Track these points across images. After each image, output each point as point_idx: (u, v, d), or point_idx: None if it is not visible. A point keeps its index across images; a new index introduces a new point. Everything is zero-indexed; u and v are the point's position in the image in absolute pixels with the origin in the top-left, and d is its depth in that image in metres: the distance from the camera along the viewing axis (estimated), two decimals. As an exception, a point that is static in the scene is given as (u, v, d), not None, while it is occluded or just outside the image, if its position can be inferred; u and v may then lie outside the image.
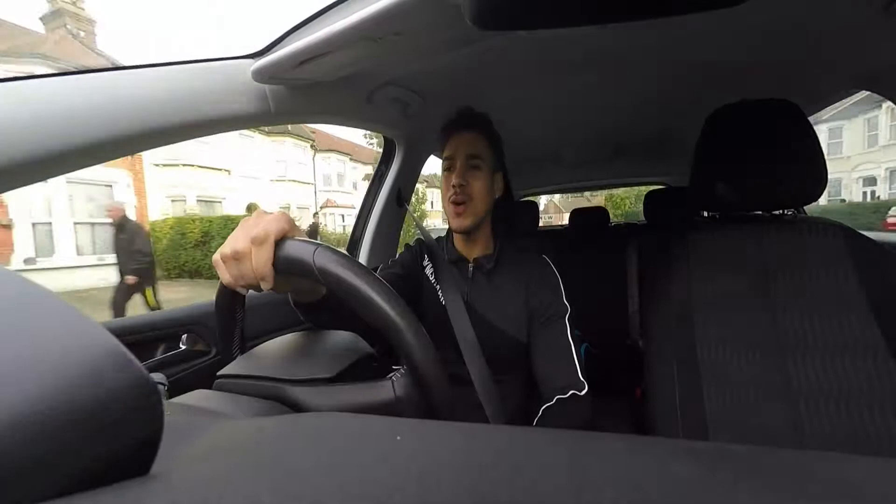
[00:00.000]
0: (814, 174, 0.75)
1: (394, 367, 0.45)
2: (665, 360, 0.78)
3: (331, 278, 0.39)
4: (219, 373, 0.48)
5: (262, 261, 0.42)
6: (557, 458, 0.18)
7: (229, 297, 0.51)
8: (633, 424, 1.28)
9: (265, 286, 0.43)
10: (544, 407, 0.81)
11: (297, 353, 0.51)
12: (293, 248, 0.41)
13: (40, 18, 13.83)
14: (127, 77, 0.59)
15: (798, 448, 0.65)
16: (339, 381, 0.44)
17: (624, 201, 17.38)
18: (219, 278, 0.47)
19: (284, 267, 0.42)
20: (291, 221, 0.44)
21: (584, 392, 0.81)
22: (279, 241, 0.42)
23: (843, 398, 0.68)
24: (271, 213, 0.44)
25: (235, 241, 0.43)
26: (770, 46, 0.91)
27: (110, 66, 0.59)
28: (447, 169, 0.91)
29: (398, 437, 0.20)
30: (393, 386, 0.42)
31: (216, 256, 0.45)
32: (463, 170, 0.87)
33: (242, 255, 0.42)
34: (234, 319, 0.53)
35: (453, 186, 0.86)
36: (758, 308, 0.76)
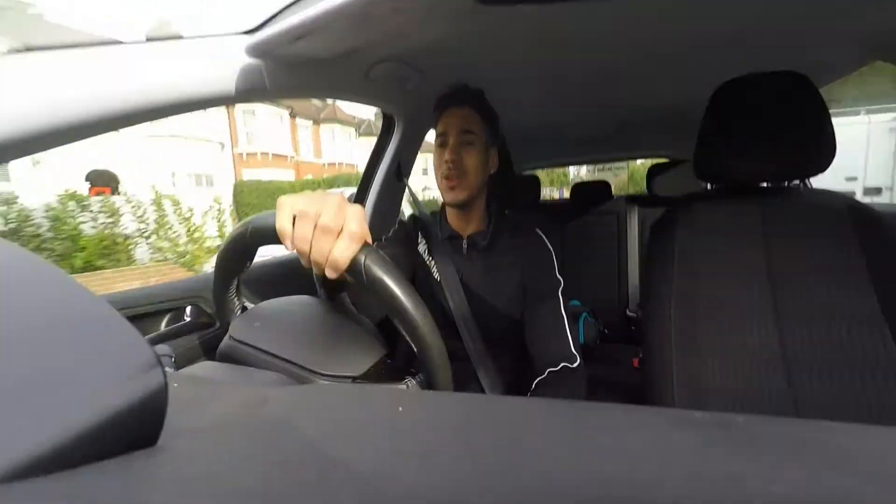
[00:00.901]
0: (821, 145, 0.74)
1: (411, 371, 0.47)
2: (663, 330, 0.79)
3: (377, 287, 0.41)
4: (231, 332, 0.48)
5: (345, 255, 0.40)
6: (557, 427, 0.18)
7: (252, 244, 0.47)
8: (630, 394, 1.31)
9: (329, 273, 0.41)
10: (537, 380, 0.83)
11: (312, 332, 0.51)
12: (376, 264, 0.41)
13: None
14: (122, 52, 0.58)
15: (794, 417, 0.67)
16: (362, 380, 0.46)
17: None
18: None
19: (355, 271, 0.41)
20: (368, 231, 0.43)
21: (575, 364, 0.83)
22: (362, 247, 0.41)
23: (838, 367, 0.69)
24: (356, 207, 0.42)
25: (327, 214, 0.40)
26: (777, 15, 0.88)
27: (106, 40, 0.57)
28: (440, 145, 0.90)
29: (400, 408, 0.21)
30: (407, 389, 0.44)
31: (288, 201, 0.41)
32: (456, 145, 0.87)
33: (329, 231, 0.40)
34: (237, 270, 0.51)
35: (446, 162, 0.86)
36: (758, 279, 0.76)
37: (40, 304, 0.17)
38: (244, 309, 0.54)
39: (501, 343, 0.92)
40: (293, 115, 19.30)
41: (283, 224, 0.41)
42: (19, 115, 0.48)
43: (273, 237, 0.42)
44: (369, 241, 0.43)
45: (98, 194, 6.40)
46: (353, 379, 0.45)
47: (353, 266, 0.40)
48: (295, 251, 0.41)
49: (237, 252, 0.48)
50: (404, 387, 0.44)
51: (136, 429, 0.16)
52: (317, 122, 20.94)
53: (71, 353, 0.16)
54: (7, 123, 0.47)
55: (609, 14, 0.81)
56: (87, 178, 7.98)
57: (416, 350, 0.43)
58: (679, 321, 0.78)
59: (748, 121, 0.77)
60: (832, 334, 0.70)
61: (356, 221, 0.41)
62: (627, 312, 1.85)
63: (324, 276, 0.53)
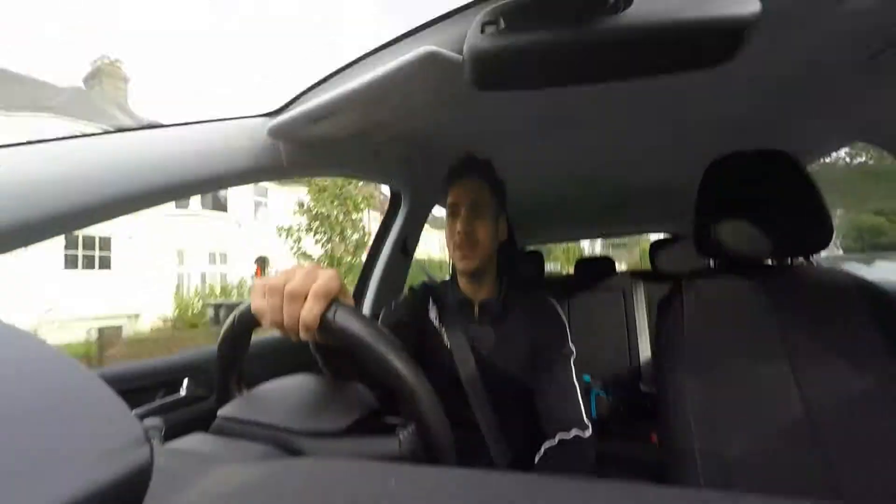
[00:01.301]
0: (817, 223, 0.74)
1: (395, 423, 0.44)
2: (680, 405, 0.75)
3: (352, 340, 0.40)
4: (219, 412, 0.47)
5: (314, 313, 0.40)
6: None
7: (245, 326, 0.49)
8: (650, 471, 1.21)
9: (304, 336, 0.41)
10: (546, 446, 0.79)
11: (301, 399, 0.50)
12: (346, 317, 0.41)
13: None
14: (149, 136, 0.63)
15: (835, 492, 0.61)
16: (346, 436, 0.43)
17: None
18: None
19: (327, 328, 0.41)
20: (346, 287, 0.44)
21: (587, 434, 0.79)
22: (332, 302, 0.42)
23: (874, 444, 0.64)
24: (329, 271, 0.43)
25: (294, 281, 0.41)
26: (763, 99, 0.95)
27: (136, 125, 0.62)
28: (451, 215, 0.92)
29: (393, 481, 0.20)
30: (399, 442, 0.42)
31: (259, 282, 0.43)
32: (467, 216, 0.89)
33: (296, 296, 0.41)
34: (236, 357, 0.52)
35: (458, 233, 0.88)
36: (774, 352, 0.74)
37: (30, 380, 0.17)
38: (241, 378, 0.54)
39: (511, 411, 0.89)
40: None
41: (257, 303, 0.43)
42: (46, 196, 0.51)
43: (254, 319, 0.44)
44: (348, 299, 0.43)
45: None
46: (336, 434, 0.43)
47: (323, 323, 0.41)
48: (274, 328, 0.42)
49: (233, 341, 0.50)
50: (396, 439, 0.42)
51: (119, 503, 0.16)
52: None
53: (58, 428, 0.16)
54: (35, 204, 0.50)
55: (607, 95, 0.88)
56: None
57: (403, 397, 0.41)
58: (695, 396, 0.75)
59: (739, 198, 0.80)
60: (863, 408, 0.67)
61: (323, 280, 0.41)
62: (641, 387, 1.78)
63: (317, 345, 0.52)
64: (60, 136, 0.56)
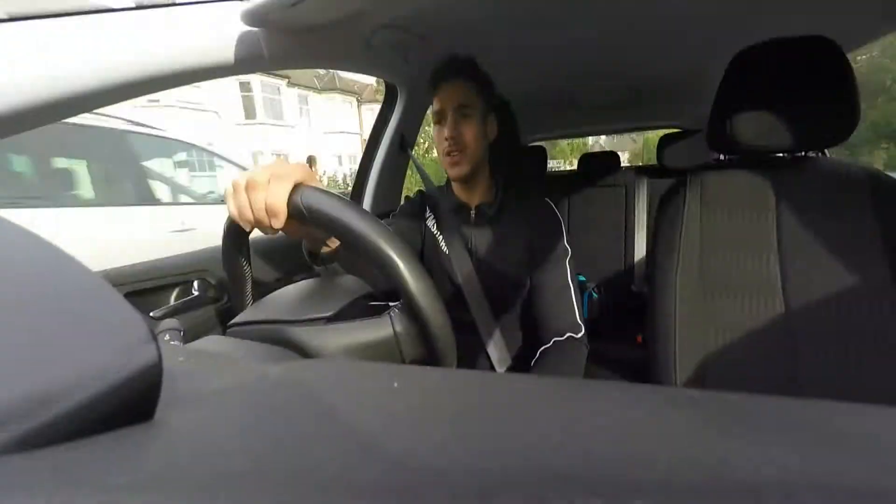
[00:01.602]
0: (844, 113, 0.70)
1: (390, 303, 0.46)
2: (667, 305, 0.78)
3: (321, 217, 0.40)
4: (231, 322, 0.50)
5: (278, 195, 0.41)
6: (551, 405, 0.18)
7: (235, 237, 0.50)
8: (633, 370, 1.32)
9: (276, 223, 0.42)
10: (542, 349, 0.84)
11: (302, 297, 0.52)
12: (311, 194, 0.41)
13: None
14: (110, 20, 0.56)
15: (796, 393, 0.67)
16: (338, 320, 0.45)
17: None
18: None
19: (297, 211, 0.41)
20: (313, 174, 0.44)
21: (580, 335, 0.84)
22: (297, 186, 0.42)
23: (844, 342, 0.68)
24: (296, 163, 0.44)
25: (254, 173, 0.42)
26: None
27: (94, 7, 0.56)
28: (438, 121, 0.89)
29: (395, 384, 0.21)
30: (391, 321, 0.43)
31: (228, 186, 0.44)
32: (453, 121, 0.86)
33: (258, 185, 0.41)
34: (241, 269, 0.53)
35: (446, 139, 0.86)
36: (767, 252, 0.75)
37: (32, 279, 0.17)
38: (254, 282, 0.56)
39: (510, 313, 0.93)
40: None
41: (230, 208, 0.43)
42: (3, 89, 0.47)
43: (238, 225, 0.44)
44: (313, 181, 0.43)
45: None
46: (328, 319, 0.45)
47: (293, 209, 0.41)
48: (248, 227, 0.43)
49: (230, 251, 0.52)
50: (387, 318, 0.43)
51: (131, 404, 0.16)
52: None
53: (62, 329, 0.16)
54: None
55: None
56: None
57: (384, 270, 0.40)
58: (684, 295, 0.77)
59: (768, 89, 0.74)
60: (840, 309, 0.69)
61: (281, 166, 0.42)
62: (632, 288, 1.84)
63: (309, 253, 0.54)
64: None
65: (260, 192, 0.41)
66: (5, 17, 0.47)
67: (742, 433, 0.15)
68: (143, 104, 11.29)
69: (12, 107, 0.47)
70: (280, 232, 0.44)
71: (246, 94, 16.81)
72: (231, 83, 15.58)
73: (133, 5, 0.59)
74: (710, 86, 0.82)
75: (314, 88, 20.14)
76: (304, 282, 0.56)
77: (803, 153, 0.81)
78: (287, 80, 17.99)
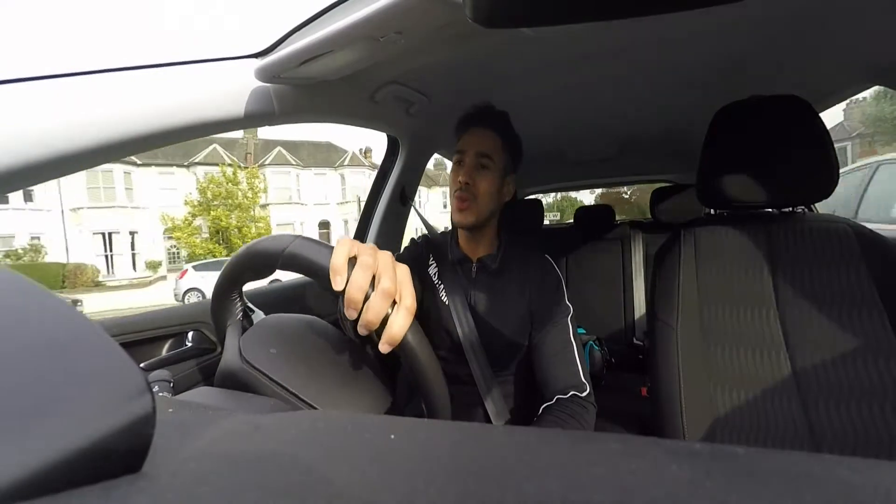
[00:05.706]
0: (824, 171, 0.73)
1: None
2: (670, 358, 0.77)
3: (412, 357, 0.41)
4: (244, 354, 0.46)
5: (405, 329, 0.38)
6: (550, 458, 0.18)
7: (264, 264, 0.45)
8: (639, 424, 1.27)
9: (384, 348, 0.38)
10: (544, 406, 0.81)
11: (326, 372, 0.50)
12: (418, 339, 0.41)
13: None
14: (129, 78, 0.59)
15: (810, 449, 0.64)
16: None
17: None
18: None
19: (403, 345, 0.40)
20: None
21: (585, 393, 0.80)
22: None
23: (855, 398, 0.67)
24: (404, 268, 0.41)
25: (389, 275, 0.38)
26: (777, 41, 0.90)
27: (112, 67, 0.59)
28: (457, 163, 0.89)
29: (392, 436, 0.20)
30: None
31: (349, 244, 0.39)
32: (471, 168, 0.86)
33: (389, 297, 0.38)
34: (240, 286, 0.51)
35: (459, 182, 0.85)
36: (766, 305, 0.75)
37: (28, 328, 0.17)
38: (246, 313, 0.53)
39: (508, 369, 0.91)
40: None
41: (340, 261, 0.38)
42: (24, 143, 0.48)
43: (312, 268, 0.40)
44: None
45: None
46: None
47: (402, 341, 0.40)
48: (340, 293, 0.37)
49: (260, 262, 0.46)
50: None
51: (121, 455, 0.16)
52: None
53: (56, 377, 0.16)
54: (11, 153, 0.48)
55: (612, 36, 0.83)
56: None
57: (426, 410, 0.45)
58: (686, 349, 0.76)
59: (749, 145, 0.77)
60: (846, 363, 0.69)
61: (409, 293, 0.39)
62: (634, 341, 1.82)
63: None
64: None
65: (385, 305, 0.37)
66: (39, 75, 0.50)
67: (747, 487, 0.14)
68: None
69: (26, 160, 0.48)
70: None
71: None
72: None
73: (157, 62, 0.62)
74: (698, 141, 0.86)
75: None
76: (313, 326, 0.54)
77: (791, 208, 0.83)
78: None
